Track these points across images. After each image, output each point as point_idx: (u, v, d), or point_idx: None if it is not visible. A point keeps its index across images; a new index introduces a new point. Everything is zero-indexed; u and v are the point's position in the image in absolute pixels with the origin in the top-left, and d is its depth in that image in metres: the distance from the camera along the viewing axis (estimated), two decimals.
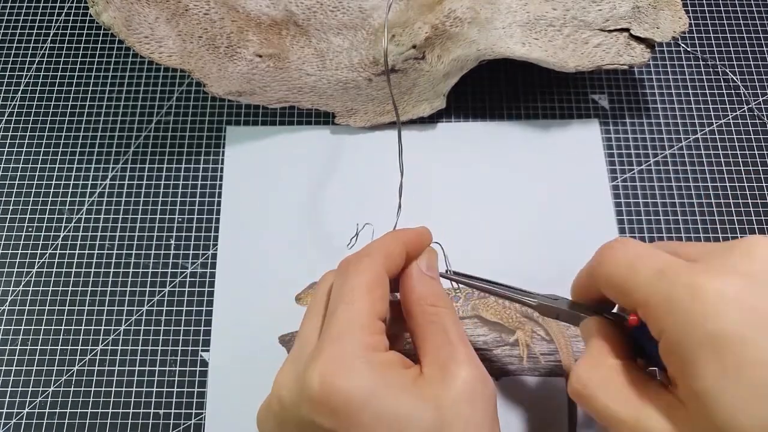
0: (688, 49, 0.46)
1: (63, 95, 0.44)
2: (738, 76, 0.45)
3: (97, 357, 0.37)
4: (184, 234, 0.40)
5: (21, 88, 0.44)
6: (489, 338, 0.37)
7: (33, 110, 0.44)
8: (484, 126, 0.43)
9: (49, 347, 0.37)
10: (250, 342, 0.37)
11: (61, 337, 0.38)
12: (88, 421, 0.36)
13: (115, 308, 0.38)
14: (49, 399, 0.36)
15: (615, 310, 0.29)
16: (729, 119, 0.43)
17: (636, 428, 0.23)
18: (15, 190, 0.41)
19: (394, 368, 0.25)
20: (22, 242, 0.40)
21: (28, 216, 0.41)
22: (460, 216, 0.41)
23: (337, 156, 0.42)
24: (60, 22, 0.47)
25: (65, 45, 0.46)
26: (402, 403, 0.24)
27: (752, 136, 0.43)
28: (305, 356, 0.26)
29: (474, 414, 0.25)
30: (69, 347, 0.37)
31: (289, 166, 0.42)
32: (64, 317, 0.38)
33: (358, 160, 0.42)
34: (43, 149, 0.43)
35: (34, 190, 0.41)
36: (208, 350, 0.37)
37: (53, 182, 0.42)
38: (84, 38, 0.46)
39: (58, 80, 0.45)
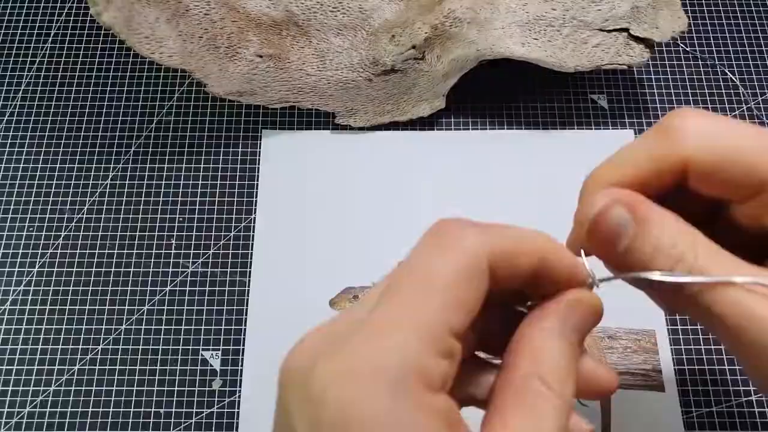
0: (688, 49, 0.46)
1: (64, 95, 0.44)
2: (737, 76, 0.45)
3: (98, 356, 0.37)
4: (184, 233, 0.40)
5: (22, 88, 0.44)
6: None
7: (34, 110, 0.44)
8: (496, 134, 0.43)
9: (49, 347, 0.37)
10: (284, 346, 0.37)
11: (61, 336, 0.38)
12: (89, 420, 0.36)
13: (116, 308, 0.38)
14: (50, 398, 0.36)
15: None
16: None
17: None
18: (15, 190, 0.41)
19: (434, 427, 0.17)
20: (22, 242, 0.40)
21: (28, 216, 0.41)
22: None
23: (360, 159, 0.42)
24: (61, 22, 0.47)
25: (66, 45, 0.46)
26: None
27: None
28: (342, 333, 0.18)
29: None
30: (69, 347, 0.37)
31: (326, 171, 0.42)
32: (65, 317, 0.38)
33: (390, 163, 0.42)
34: (43, 149, 0.43)
35: (34, 190, 0.41)
36: (208, 349, 0.37)
37: (54, 182, 0.42)
38: (85, 38, 0.46)
39: (59, 80, 0.45)
